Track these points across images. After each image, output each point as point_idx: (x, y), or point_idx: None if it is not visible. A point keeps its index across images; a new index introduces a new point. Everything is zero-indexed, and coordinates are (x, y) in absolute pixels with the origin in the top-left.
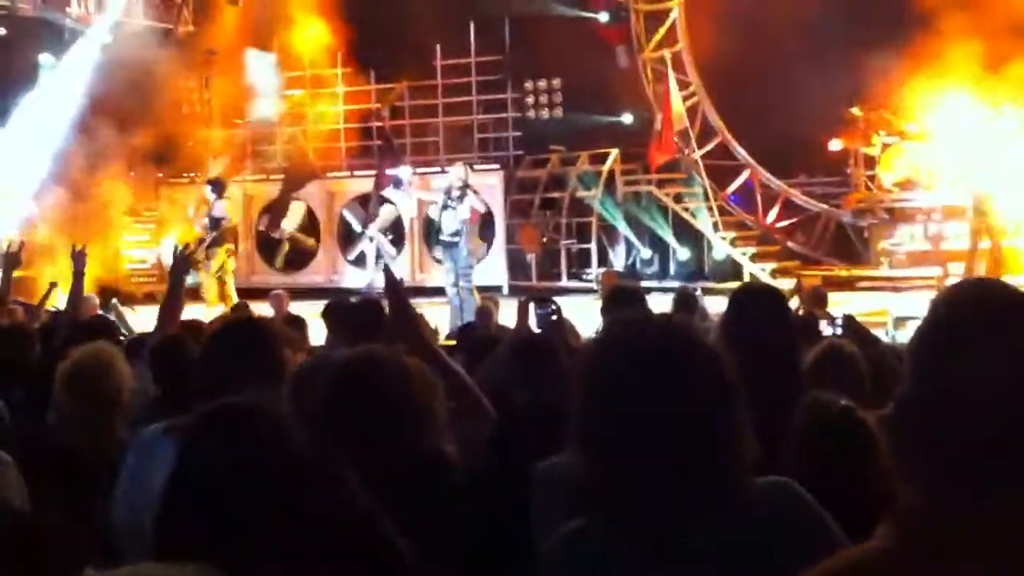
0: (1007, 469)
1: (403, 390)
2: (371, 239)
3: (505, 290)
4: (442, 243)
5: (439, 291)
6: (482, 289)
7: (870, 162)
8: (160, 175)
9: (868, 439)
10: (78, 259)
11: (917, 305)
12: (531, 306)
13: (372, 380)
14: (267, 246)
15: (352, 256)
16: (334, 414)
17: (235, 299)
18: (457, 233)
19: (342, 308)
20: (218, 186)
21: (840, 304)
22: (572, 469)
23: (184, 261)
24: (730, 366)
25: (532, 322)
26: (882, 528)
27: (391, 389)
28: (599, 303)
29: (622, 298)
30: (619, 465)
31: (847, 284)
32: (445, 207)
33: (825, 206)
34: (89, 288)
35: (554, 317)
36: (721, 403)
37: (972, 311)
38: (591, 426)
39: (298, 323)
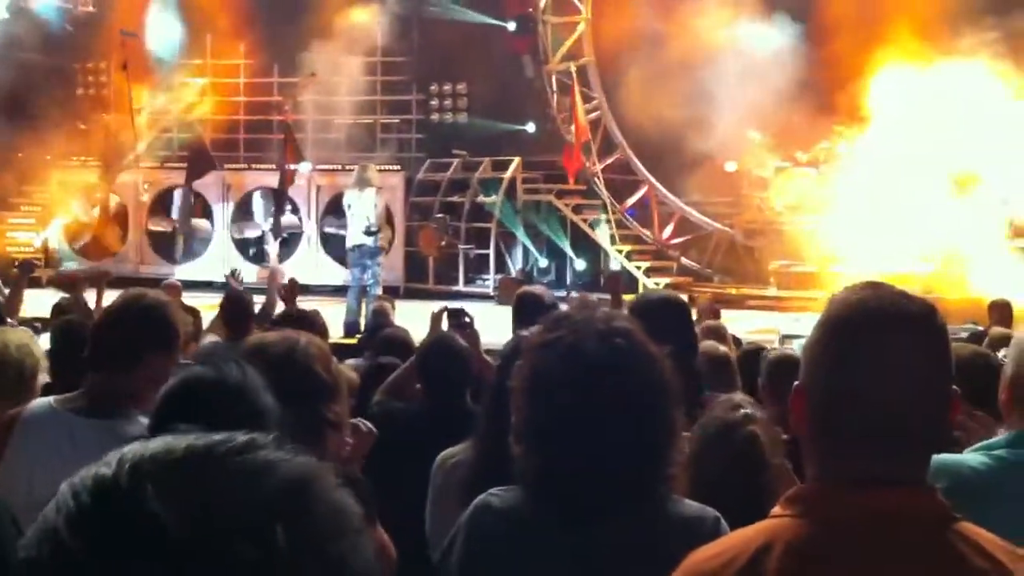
0: (888, 458)
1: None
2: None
3: (402, 291)
4: (361, 248)
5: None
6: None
7: (763, 184)
8: (48, 157)
9: (757, 449)
10: None
11: (804, 325)
12: (444, 316)
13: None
14: (159, 236)
15: (254, 253)
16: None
17: None
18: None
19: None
20: None
21: (730, 322)
22: (470, 455)
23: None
24: (669, 370)
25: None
26: (779, 507)
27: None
28: (497, 308)
29: (533, 304)
30: (555, 458)
31: (737, 302)
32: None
33: (718, 225)
34: None
35: (467, 329)
36: (659, 406)
37: (861, 311)
38: (533, 420)
39: (192, 313)
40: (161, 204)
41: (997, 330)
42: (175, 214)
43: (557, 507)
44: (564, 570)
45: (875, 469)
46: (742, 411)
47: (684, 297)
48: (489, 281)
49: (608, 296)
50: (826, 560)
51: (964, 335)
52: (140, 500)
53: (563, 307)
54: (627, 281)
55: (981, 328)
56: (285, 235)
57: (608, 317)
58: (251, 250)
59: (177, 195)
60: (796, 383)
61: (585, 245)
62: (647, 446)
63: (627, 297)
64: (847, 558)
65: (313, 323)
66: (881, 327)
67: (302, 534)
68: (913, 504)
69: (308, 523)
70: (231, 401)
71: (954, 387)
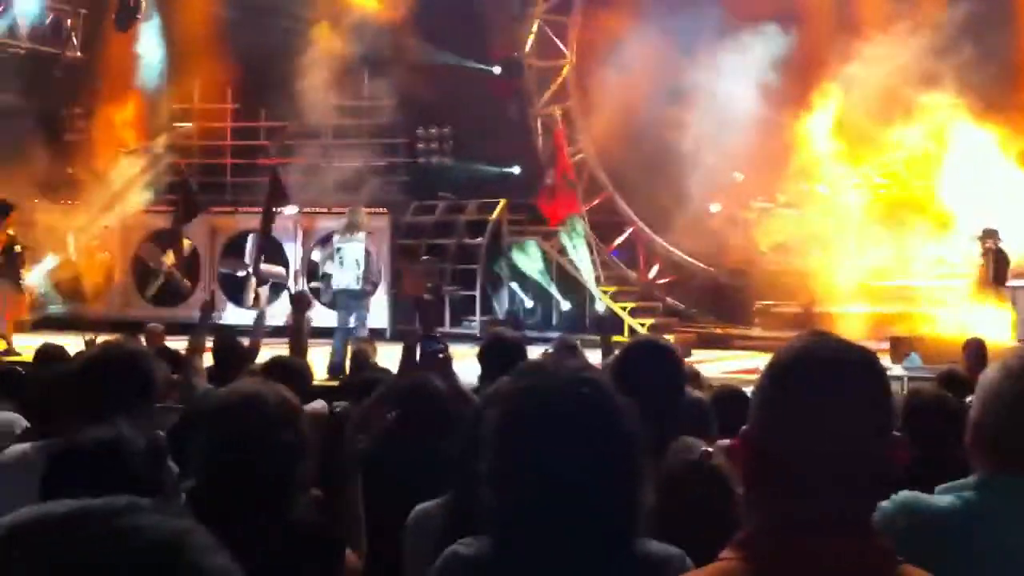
0: (830, 503)
1: (289, 431)
2: (260, 277)
3: (388, 334)
4: (348, 292)
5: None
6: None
7: (747, 225)
8: (36, 200)
9: (722, 482)
10: None
11: None
12: (418, 344)
13: (257, 421)
14: (143, 278)
15: (248, 302)
16: (213, 461)
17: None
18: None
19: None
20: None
21: (714, 362)
22: (444, 512)
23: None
24: (635, 419)
25: (417, 360)
26: (728, 551)
27: (276, 431)
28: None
29: (501, 349)
30: (521, 508)
31: (721, 342)
32: (338, 254)
33: (703, 265)
34: None
35: (440, 355)
36: (624, 455)
37: (802, 359)
38: (499, 470)
39: (173, 358)
40: (153, 247)
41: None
42: (248, 259)
43: (524, 556)
44: None
45: (817, 514)
46: (701, 449)
47: (670, 338)
48: (475, 323)
49: (596, 337)
50: None
51: (934, 376)
52: (7, 563)
53: (537, 350)
54: (612, 322)
55: (958, 369)
56: (268, 283)
57: (577, 367)
58: (237, 293)
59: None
60: (743, 428)
61: (571, 286)
62: (613, 495)
63: (616, 338)
64: None
65: (298, 372)
66: (821, 375)
67: None
68: (855, 549)
69: None
70: (101, 465)
71: (896, 432)
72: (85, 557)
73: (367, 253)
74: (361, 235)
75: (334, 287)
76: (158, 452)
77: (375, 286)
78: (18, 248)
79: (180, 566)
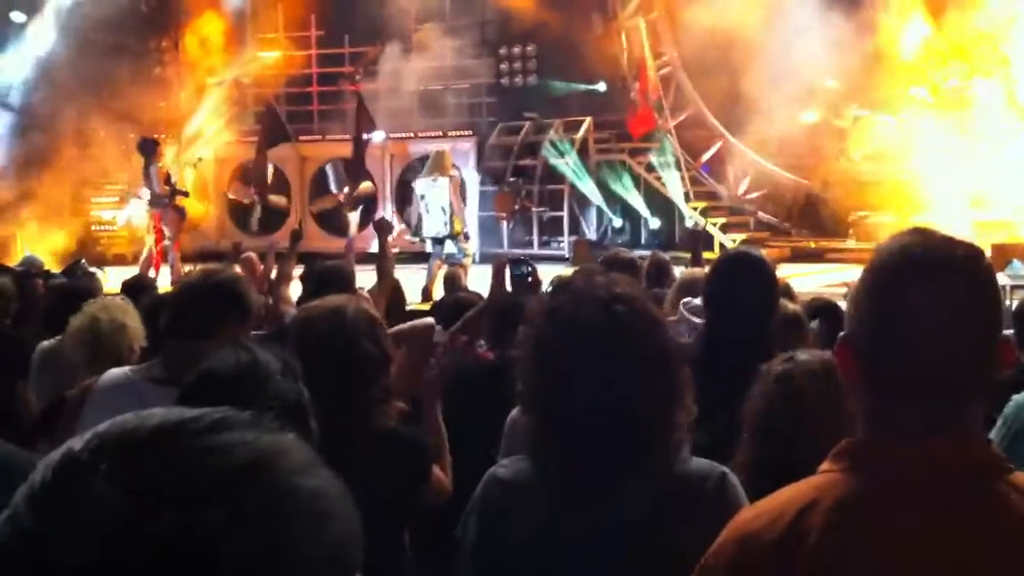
0: (935, 407)
1: (371, 339)
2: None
3: (477, 257)
4: (436, 239)
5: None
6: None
7: (841, 135)
8: (131, 136)
9: (794, 386)
10: None
11: None
12: (506, 268)
13: (342, 331)
14: (238, 208)
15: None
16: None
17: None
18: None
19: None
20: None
21: (808, 275)
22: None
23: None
24: (667, 336)
25: (507, 283)
26: (827, 463)
27: (358, 339)
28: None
29: (617, 269)
30: (555, 428)
31: (815, 255)
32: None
33: (795, 177)
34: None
35: (530, 279)
36: (658, 371)
37: (902, 258)
38: (535, 389)
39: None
40: (240, 177)
41: None
42: (335, 188)
43: (559, 475)
44: (570, 536)
45: (922, 420)
46: (788, 358)
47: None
48: (564, 243)
49: (688, 254)
50: (872, 513)
51: None
52: (90, 480)
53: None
54: (704, 237)
55: None
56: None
57: (610, 283)
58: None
59: (330, 168)
60: (842, 333)
61: (659, 204)
62: (648, 414)
63: (707, 255)
64: (892, 510)
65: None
66: (923, 273)
67: (239, 518)
68: (961, 454)
69: (248, 506)
70: (242, 389)
71: (1006, 332)
72: (167, 473)
73: (452, 200)
74: (444, 180)
75: (423, 234)
76: (295, 374)
77: (467, 237)
78: (175, 181)
79: (264, 489)
